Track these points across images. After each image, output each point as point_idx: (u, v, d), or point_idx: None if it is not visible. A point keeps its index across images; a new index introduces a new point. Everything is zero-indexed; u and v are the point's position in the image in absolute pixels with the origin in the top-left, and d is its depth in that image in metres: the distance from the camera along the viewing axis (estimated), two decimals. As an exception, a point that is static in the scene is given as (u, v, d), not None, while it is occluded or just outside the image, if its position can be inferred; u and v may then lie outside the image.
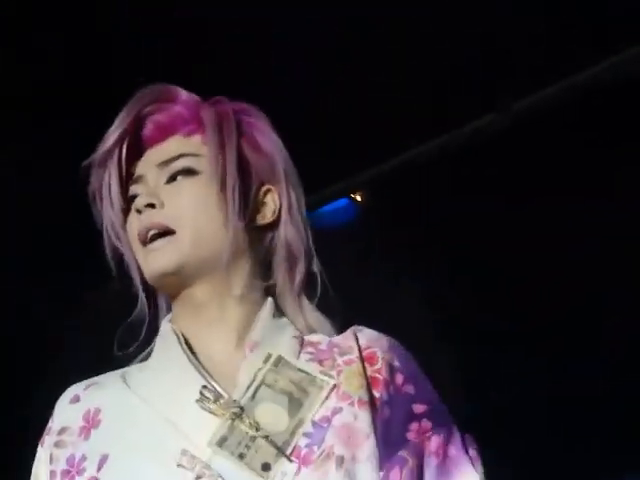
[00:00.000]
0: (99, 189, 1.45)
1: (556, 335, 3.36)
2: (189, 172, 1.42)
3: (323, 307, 1.50)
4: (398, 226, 3.44)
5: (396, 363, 1.42)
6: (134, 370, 1.48)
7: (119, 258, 1.48)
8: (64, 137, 2.61)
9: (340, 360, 1.41)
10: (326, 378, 1.39)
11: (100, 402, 1.45)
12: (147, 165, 1.44)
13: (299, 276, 1.48)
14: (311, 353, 1.43)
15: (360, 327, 1.48)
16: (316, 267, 1.49)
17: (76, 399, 1.48)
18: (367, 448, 1.34)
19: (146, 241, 1.41)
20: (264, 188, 1.47)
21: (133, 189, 1.44)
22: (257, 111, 1.51)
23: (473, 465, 1.36)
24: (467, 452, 1.37)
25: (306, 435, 1.34)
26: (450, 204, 3.32)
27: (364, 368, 1.40)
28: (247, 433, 1.33)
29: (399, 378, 1.41)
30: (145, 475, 1.34)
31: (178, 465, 1.31)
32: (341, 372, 1.40)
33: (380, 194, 3.50)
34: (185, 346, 1.43)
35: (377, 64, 2.91)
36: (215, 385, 1.38)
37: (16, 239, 3.14)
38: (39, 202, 3.01)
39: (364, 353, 1.42)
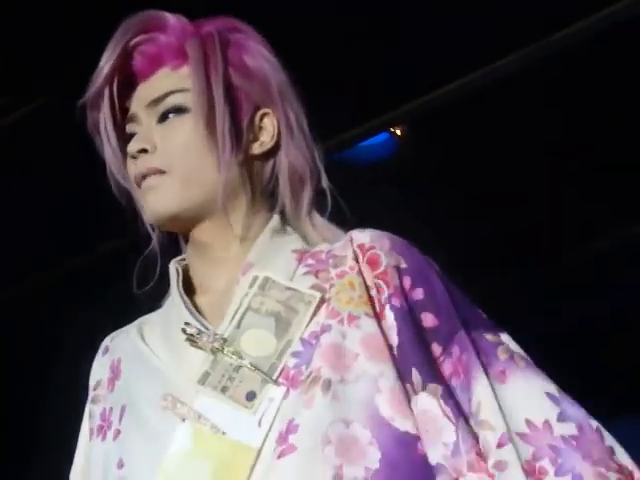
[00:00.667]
0: (96, 129, 1.43)
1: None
2: (179, 110, 1.38)
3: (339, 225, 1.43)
4: (438, 161, 3.42)
5: (403, 264, 1.33)
6: (152, 315, 1.47)
7: (128, 196, 1.45)
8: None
9: (333, 273, 1.34)
10: (313, 292, 1.32)
11: (121, 352, 1.44)
12: (138, 103, 1.40)
13: (307, 197, 1.42)
14: (309, 265, 1.37)
15: (359, 230, 1.38)
16: (325, 183, 1.43)
17: (106, 350, 1.48)
18: (357, 368, 1.26)
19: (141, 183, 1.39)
20: (260, 113, 1.41)
21: (129, 128, 1.42)
22: (247, 28, 1.44)
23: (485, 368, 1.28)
24: (479, 358, 1.28)
25: (295, 355, 1.29)
26: (491, 138, 3.30)
27: (363, 277, 1.31)
28: (231, 364, 1.30)
29: (406, 281, 1.32)
30: (151, 425, 1.33)
31: (163, 409, 1.30)
32: (333, 286, 1.32)
33: (420, 128, 3.47)
34: (180, 284, 1.41)
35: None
36: (202, 321, 1.36)
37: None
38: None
39: (366, 256, 1.33)
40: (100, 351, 1.49)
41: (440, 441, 1.23)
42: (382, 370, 1.26)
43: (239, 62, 1.40)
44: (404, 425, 1.24)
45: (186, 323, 1.33)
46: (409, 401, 1.25)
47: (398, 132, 3.55)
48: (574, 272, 3.92)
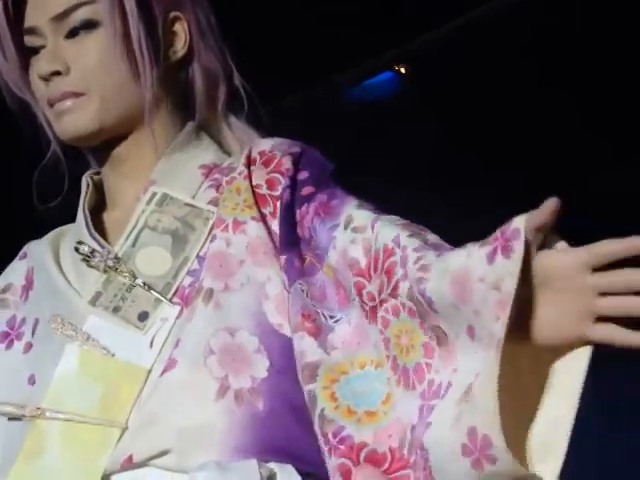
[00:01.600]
0: None
1: None
2: (89, 25, 1.28)
3: (255, 123, 1.40)
4: (443, 99, 3.43)
5: (295, 150, 1.29)
6: (71, 226, 1.40)
7: (24, 106, 1.36)
8: None
9: (223, 181, 1.30)
10: (211, 207, 1.28)
11: (34, 261, 1.38)
12: (39, 14, 1.29)
13: (222, 96, 1.37)
14: (214, 179, 1.32)
15: (263, 138, 1.34)
16: (237, 80, 1.37)
17: (23, 256, 1.42)
18: (242, 275, 1.22)
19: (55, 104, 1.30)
20: (170, 17, 1.33)
21: (29, 40, 1.31)
22: None
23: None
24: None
25: (191, 273, 1.25)
26: (495, 73, 3.29)
27: (251, 180, 1.27)
28: (124, 284, 1.25)
29: (294, 168, 1.27)
30: (56, 345, 1.26)
31: (53, 330, 1.25)
32: (222, 194, 1.29)
33: (424, 66, 3.47)
34: (87, 198, 1.37)
35: None
36: (98, 239, 1.31)
37: None
38: None
39: (263, 159, 1.28)
40: (18, 255, 1.42)
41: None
42: (269, 275, 1.22)
43: None
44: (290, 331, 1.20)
45: (79, 242, 1.29)
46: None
47: (402, 70, 3.55)
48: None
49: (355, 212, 1.19)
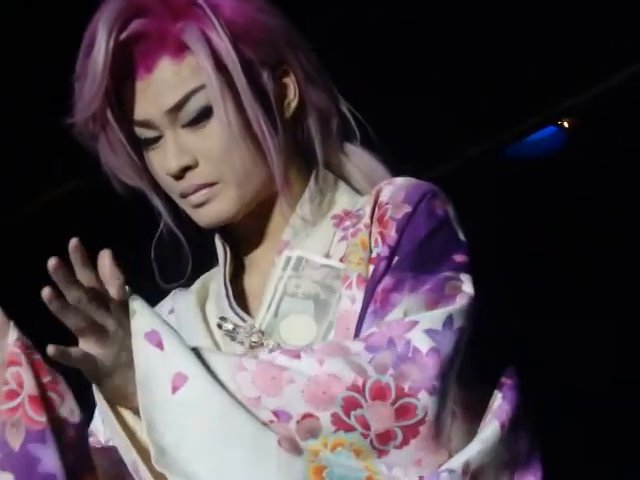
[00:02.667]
0: (94, 141, 1.28)
1: None
2: (206, 112, 1.23)
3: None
4: (608, 153, 3.36)
5: (399, 223, 1.21)
6: (213, 279, 1.36)
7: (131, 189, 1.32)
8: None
9: (350, 232, 1.25)
10: (342, 265, 1.23)
11: (181, 317, 1.34)
12: (151, 108, 1.24)
13: (334, 127, 1.31)
14: (345, 229, 1.26)
15: (388, 182, 1.26)
16: (344, 106, 1.31)
17: (172, 309, 1.36)
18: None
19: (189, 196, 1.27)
20: (277, 74, 1.28)
21: (142, 132, 1.26)
22: None
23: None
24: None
25: None
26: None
27: (370, 234, 1.22)
28: None
29: (396, 236, 1.20)
30: None
31: None
32: (347, 248, 1.23)
33: (589, 120, 3.40)
34: (227, 264, 1.32)
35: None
36: (239, 313, 1.27)
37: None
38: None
39: (380, 211, 1.23)
40: (166, 308, 1.36)
41: None
42: None
43: (241, 30, 1.24)
44: None
45: (222, 318, 1.26)
46: None
47: (566, 124, 3.49)
48: None
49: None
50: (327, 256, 1.25)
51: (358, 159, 1.33)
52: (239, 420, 1.05)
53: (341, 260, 1.24)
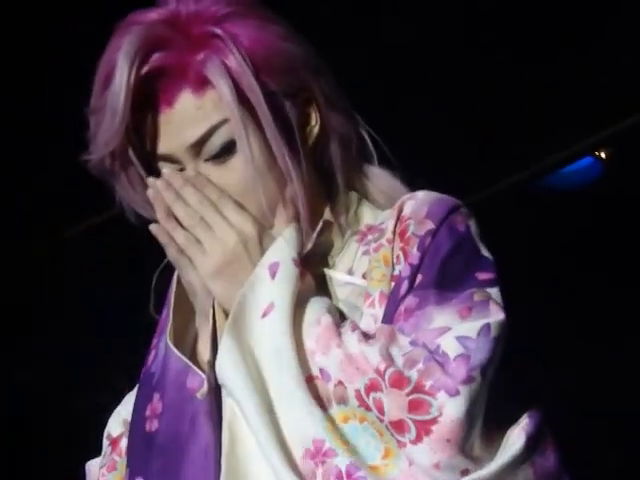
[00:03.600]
0: (111, 177, 1.25)
1: None
2: (229, 147, 1.20)
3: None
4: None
5: (430, 225, 1.18)
6: None
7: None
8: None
9: (372, 247, 1.22)
10: (362, 282, 1.21)
11: None
12: (173, 142, 1.21)
13: (354, 148, 1.28)
14: (367, 244, 1.25)
15: (409, 196, 1.24)
16: (363, 129, 1.29)
17: None
18: None
19: None
20: (298, 100, 1.25)
21: (162, 166, 1.23)
22: (241, 5, 1.24)
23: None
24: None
25: None
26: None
27: (392, 250, 1.20)
28: None
29: (428, 239, 1.18)
30: None
31: None
32: (370, 264, 1.21)
33: (626, 150, 3.38)
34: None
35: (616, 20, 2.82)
36: None
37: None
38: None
39: (402, 226, 1.20)
40: None
41: None
42: None
43: (262, 60, 1.21)
44: None
45: None
46: None
47: (603, 155, 3.47)
48: None
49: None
50: (350, 272, 1.25)
51: (378, 179, 1.31)
52: (291, 363, 1.12)
53: (364, 276, 1.23)
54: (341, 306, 1.22)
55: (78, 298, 3.30)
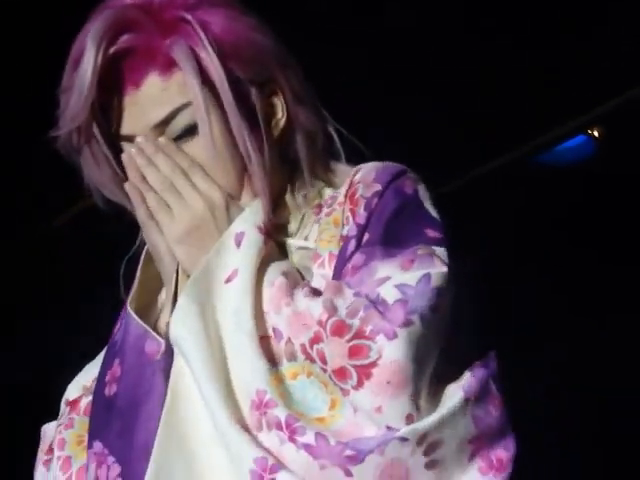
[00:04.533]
0: (77, 155, 1.27)
1: None
2: (192, 130, 1.23)
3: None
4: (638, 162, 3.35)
5: (377, 187, 1.22)
6: None
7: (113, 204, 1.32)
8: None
9: (324, 213, 1.27)
10: (313, 244, 1.25)
11: None
12: (137, 123, 1.24)
13: (320, 144, 1.32)
14: (320, 212, 1.29)
15: (367, 163, 1.27)
16: (331, 126, 1.32)
17: None
18: None
19: None
20: (266, 92, 1.28)
21: (128, 146, 1.24)
22: None
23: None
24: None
25: None
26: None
27: (343, 212, 1.23)
28: None
29: (374, 200, 1.21)
30: None
31: None
32: (320, 227, 1.26)
33: (619, 128, 3.40)
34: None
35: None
36: None
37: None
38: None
39: (352, 189, 1.24)
40: None
41: None
42: None
43: (230, 48, 1.24)
44: None
45: None
46: None
47: (596, 133, 3.49)
48: None
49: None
50: (305, 239, 1.27)
51: (344, 175, 1.32)
52: (248, 323, 1.14)
53: (315, 241, 1.26)
54: (298, 269, 1.23)
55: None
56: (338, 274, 1.19)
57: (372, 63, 2.56)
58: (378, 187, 1.22)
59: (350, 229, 1.21)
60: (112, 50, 1.21)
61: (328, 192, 1.32)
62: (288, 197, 1.31)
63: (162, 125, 1.23)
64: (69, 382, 1.37)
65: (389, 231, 1.19)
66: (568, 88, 3.07)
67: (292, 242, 1.27)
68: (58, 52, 1.26)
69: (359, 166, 1.28)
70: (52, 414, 1.36)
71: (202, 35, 1.21)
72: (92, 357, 1.37)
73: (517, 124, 3.19)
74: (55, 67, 1.25)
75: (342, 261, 1.20)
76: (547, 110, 3.17)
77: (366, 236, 1.20)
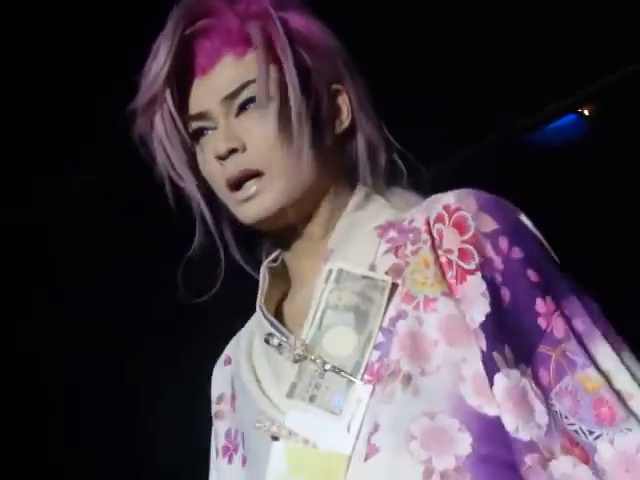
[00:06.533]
0: (150, 131, 1.33)
1: None
2: (252, 101, 1.29)
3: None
4: (629, 141, 3.33)
5: (493, 226, 1.22)
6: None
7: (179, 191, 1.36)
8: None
9: (409, 249, 1.26)
10: (385, 277, 1.24)
11: (237, 366, 1.39)
12: (208, 99, 1.30)
13: (382, 165, 1.35)
14: (391, 240, 1.28)
15: (441, 193, 1.27)
16: (394, 150, 1.36)
17: (228, 361, 1.44)
18: (437, 357, 1.19)
19: (236, 187, 1.30)
20: (332, 90, 1.34)
21: (197, 124, 1.32)
22: (294, 1, 1.34)
23: (606, 337, 1.19)
24: (594, 321, 1.20)
25: (377, 347, 1.22)
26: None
27: (435, 251, 1.23)
28: (316, 371, 1.23)
29: (503, 243, 1.21)
30: (265, 452, 1.27)
31: (257, 428, 1.26)
32: (408, 264, 1.25)
33: (609, 107, 3.37)
34: (264, 290, 1.36)
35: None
36: (280, 328, 1.31)
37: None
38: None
39: (452, 219, 1.22)
40: (222, 360, 1.45)
41: (533, 421, 1.16)
42: (464, 355, 1.19)
43: (304, 40, 1.31)
44: (492, 410, 1.17)
45: (268, 334, 1.30)
46: (495, 372, 1.18)
47: (586, 112, 3.46)
48: None
49: (612, 369, 1.19)
50: (372, 267, 1.27)
51: (406, 200, 1.34)
52: None
53: (386, 273, 1.25)
54: (357, 299, 1.24)
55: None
56: (511, 319, 1.19)
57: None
58: (495, 225, 1.22)
59: (487, 269, 1.20)
60: (190, 30, 1.29)
61: (389, 212, 1.33)
62: (327, 198, 1.33)
63: (230, 98, 1.29)
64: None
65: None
66: (557, 66, 3.04)
67: (356, 271, 1.26)
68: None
69: (431, 198, 1.28)
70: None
71: (277, 22, 1.29)
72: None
73: (505, 104, 3.18)
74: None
75: (502, 303, 1.19)
76: (536, 90, 3.15)
77: (528, 264, 1.21)
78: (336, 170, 1.33)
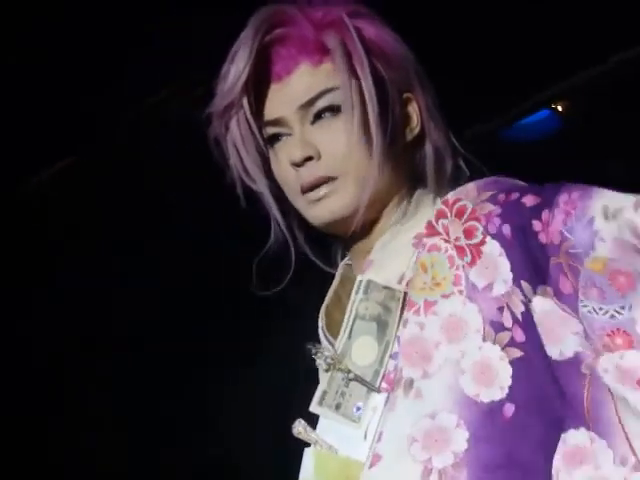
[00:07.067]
0: (225, 134, 1.37)
1: None
2: (334, 109, 1.32)
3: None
4: (602, 136, 3.34)
5: (491, 192, 1.29)
6: None
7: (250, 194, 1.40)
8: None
9: (415, 255, 1.32)
10: (398, 287, 1.29)
11: None
12: (284, 106, 1.33)
13: (448, 170, 1.40)
14: (422, 246, 1.31)
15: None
16: (460, 156, 1.41)
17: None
18: (439, 357, 1.23)
19: (308, 190, 1.33)
20: (404, 98, 1.37)
21: (272, 130, 1.35)
22: (368, 11, 1.38)
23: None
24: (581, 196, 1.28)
25: (393, 356, 1.27)
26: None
27: (449, 246, 1.28)
28: (342, 379, 1.29)
29: (500, 195, 1.28)
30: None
31: (297, 435, 1.32)
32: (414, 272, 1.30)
33: (583, 103, 3.39)
34: (329, 294, 1.41)
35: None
36: (328, 336, 1.36)
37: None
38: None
39: (453, 211, 1.29)
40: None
41: (569, 333, 1.19)
42: (463, 349, 1.23)
43: (378, 50, 1.35)
44: (489, 395, 1.20)
45: (310, 343, 1.34)
46: (517, 315, 1.21)
47: (559, 108, 3.47)
48: None
49: (607, 199, 1.23)
50: (402, 278, 1.30)
51: None
52: None
53: (407, 283, 1.29)
54: (379, 309, 1.29)
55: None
56: (521, 264, 1.22)
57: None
58: (491, 193, 1.29)
59: (492, 227, 1.24)
60: (268, 38, 1.32)
61: (428, 212, 1.34)
62: (389, 207, 1.36)
63: (307, 105, 1.32)
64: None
65: None
66: (531, 62, 3.05)
67: (379, 281, 1.30)
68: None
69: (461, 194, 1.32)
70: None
71: (353, 32, 1.31)
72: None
73: (479, 99, 3.18)
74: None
75: (516, 249, 1.23)
76: (509, 85, 3.16)
77: (527, 193, 1.27)
78: (402, 179, 1.36)
